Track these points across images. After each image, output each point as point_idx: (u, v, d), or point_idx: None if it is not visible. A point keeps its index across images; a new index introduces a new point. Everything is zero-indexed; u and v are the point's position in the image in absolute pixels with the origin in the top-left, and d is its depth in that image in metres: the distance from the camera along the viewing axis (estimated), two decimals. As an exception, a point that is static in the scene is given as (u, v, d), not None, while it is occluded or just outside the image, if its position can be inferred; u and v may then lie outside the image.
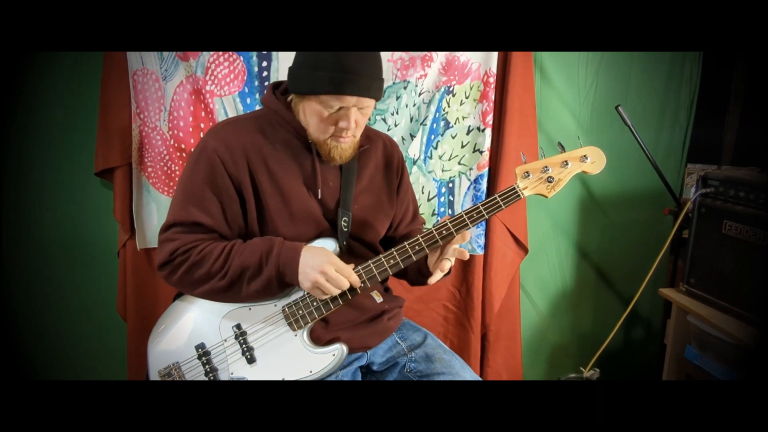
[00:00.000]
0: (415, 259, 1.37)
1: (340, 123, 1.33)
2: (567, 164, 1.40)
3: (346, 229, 1.44)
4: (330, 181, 1.44)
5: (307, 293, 1.37)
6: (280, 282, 1.33)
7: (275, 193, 1.38)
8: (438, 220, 2.26)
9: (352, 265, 1.36)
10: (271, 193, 1.38)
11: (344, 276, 1.32)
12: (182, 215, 1.35)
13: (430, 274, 1.44)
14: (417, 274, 1.52)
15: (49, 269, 2.13)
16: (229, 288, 1.33)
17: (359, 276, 1.35)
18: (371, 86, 1.32)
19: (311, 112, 1.35)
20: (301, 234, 1.40)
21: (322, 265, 1.30)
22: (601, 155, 1.42)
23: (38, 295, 2.14)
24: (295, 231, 1.39)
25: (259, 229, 1.39)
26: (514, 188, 1.38)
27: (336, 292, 1.32)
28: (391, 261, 1.36)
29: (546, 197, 1.42)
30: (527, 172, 1.40)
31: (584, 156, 1.40)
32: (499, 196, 1.37)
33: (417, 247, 1.36)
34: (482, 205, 1.37)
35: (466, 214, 1.36)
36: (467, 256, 1.41)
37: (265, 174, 1.38)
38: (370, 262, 1.36)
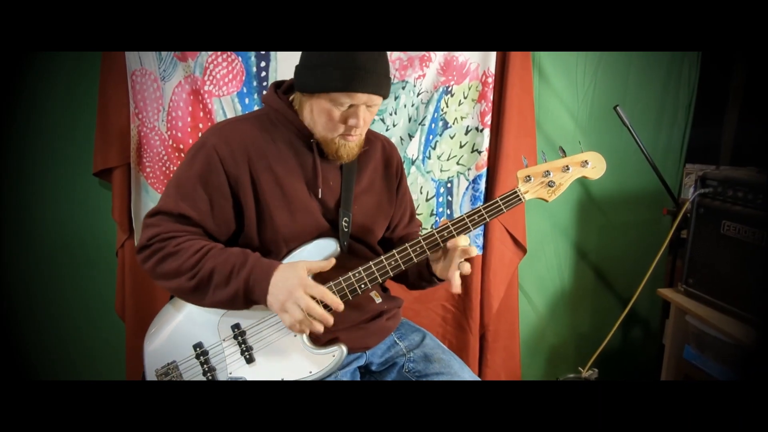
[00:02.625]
0: (416, 260, 1.36)
1: (350, 121, 1.33)
2: (568, 169, 1.40)
3: (347, 230, 1.44)
4: (330, 181, 1.44)
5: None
6: (246, 298, 1.29)
7: (276, 192, 1.38)
8: (437, 221, 2.27)
9: (327, 285, 1.32)
10: (272, 191, 1.37)
11: (317, 295, 1.26)
12: (170, 205, 1.34)
13: (430, 278, 1.44)
14: (417, 278, 1.52)
15: (48, 269, 2.13)
16: (195, 290, 1.30)
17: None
18: (381, 84, 1.32)
19: (320, 111, 1.34)
20: (302, 233, 1.39)
21: (293, 288, 1.24)
22: (601, 161, 1.42)
23: (37, 295, 2.14)
24: (295, 230, 1.39)
25: (258, 228, 1.38)
26: (516, 192, 1.38)
27: (305, 319, 1.25)
28: (393, 262, 1.35)
29: (546, 201, 1.42)
30: (529, 176, 1.40)
31: (585, 161, 1.41)
32: (501, 200, 1.37)
33: (418, 249, 1.36)
34: (483, 208, 1.37)
35: (467, 216, 1.36)
36: (475, 252, 1.39)
37: (267, 173, 1.37)
38: (371, 262, 1.36)
